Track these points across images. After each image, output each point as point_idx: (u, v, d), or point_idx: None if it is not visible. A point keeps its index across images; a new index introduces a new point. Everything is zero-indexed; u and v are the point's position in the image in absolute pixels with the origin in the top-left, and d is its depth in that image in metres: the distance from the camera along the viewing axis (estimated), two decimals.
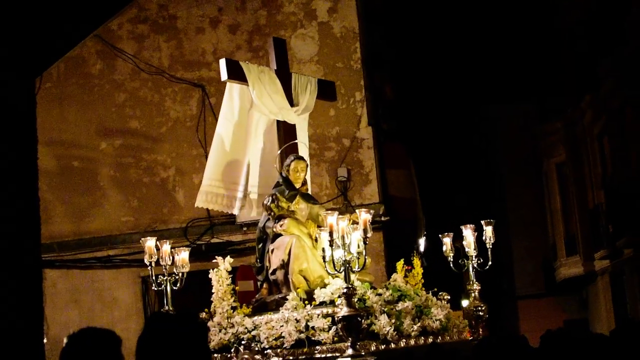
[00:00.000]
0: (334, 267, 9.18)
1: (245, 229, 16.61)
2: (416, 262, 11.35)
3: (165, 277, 10.80)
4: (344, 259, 9.10)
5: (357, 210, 9.64)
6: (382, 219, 16.27)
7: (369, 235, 9.29)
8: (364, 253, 9.25)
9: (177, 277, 10.88)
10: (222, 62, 11.43)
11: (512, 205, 32.75)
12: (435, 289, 11.04)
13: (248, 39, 17.33)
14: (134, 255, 16.73)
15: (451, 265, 11.03)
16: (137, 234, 16.90)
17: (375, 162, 16.83)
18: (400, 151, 20.27)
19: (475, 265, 10.84)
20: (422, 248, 20.24)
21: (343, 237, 9.09)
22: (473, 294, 10.94)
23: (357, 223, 9.44)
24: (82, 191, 17.40)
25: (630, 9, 22.80)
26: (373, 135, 16.93)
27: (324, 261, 9.33)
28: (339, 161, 16.67)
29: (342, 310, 9.15)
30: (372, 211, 9.68)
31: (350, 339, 9.13)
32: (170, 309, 10.81)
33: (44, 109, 17.06)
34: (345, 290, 9.17)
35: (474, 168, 34.88)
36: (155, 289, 10.93)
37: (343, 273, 9.20)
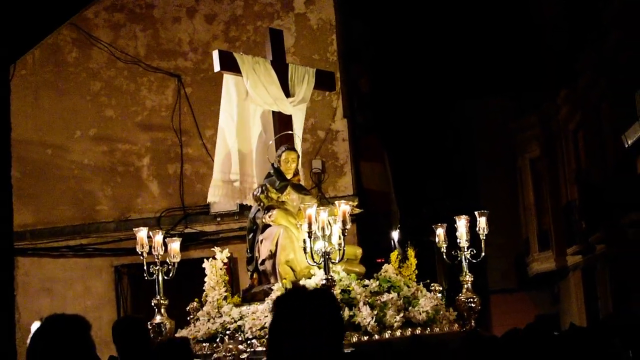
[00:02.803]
0: (313, 258, 9.19)
1: (219, 219, 16.62)
2: (410, 253, 11.36)
3: (158, 267, 10.81)
4: (323, 250, 9.09)
5: (336, 202, 9.67)
6: (356, 211, 16.28)
7: (347, 227, 9.32)
8: (342, 244, 9.25)
9: (169, 267, 10.90)
10: (215, 54, 11.37)
11: (486, 200, 32.78)
12: (428, 280, 11.04)
13: (225, 29, 17.30)
14: (107, 245, 16.72)
15: (444, 256, 11.03)
16: (111, 223, 16.90)
17: (350, 154, 16.86)
18: (375, 144, 20.33)
19: (467, 257, 10.81)
20: (395, 240, 20.29)
21: (323, 228, 9.09)
22: (466, 286, 10.90)
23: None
24: (56, 179, 17.33)
25: (608, 3, 22.86)
26: (348, 128, 16.95)
27: (305, 252, 9.34)
28: (313, 153, 16.68)
29: None
30: (350, 203, 9.73)
31: None
32: (163, 298, 10.83)
33: (18, 96, 16.99)
34: (323, 282, 9.18)
35: (449, 163, 34.95)
36: (148, 278, 10.93)
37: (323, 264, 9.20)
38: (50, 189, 17.32)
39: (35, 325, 5.51)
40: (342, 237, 9.31)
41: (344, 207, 9.30)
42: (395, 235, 20.73)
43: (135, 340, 7.32)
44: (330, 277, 9.22)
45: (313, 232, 9.17)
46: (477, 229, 10.88)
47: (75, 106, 17.47)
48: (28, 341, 4.82)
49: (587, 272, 27.14)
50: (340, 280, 10.03)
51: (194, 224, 16.84)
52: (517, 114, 32.24)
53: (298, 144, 11.68)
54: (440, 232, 11.06)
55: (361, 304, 9.82)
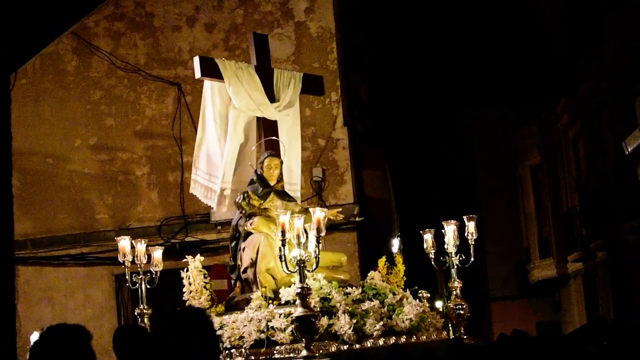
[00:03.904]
0: (287, 266, 9.11)
1: (219, 227, 16.60)
2: (398, 259, 11.30)
3: (140, 276, 10.80)
4: (298, 258, 9.01)
5: (310, 209, 9.58)
6: (357, 219, 16.28)
7: (322, 234, 9.17)
8: (317, 252, 9.15)
9: (153, 276, 10.88)
10: (196, 60, 11.36)
11: (487, 208, 32.78)
12: (416, 287, 10.96)
13: (225, 38, 17.31)
14: (108, 253, 16.68)
15: (432, 262, 10.96)
16: (111, 231, 16.86)
17: (350, 162, 16.85)
18: (375, 152, 20.30)
19: (456, 263, 10.74)
20: (395, 249, 20.25)
21: (298, 236, 9.01)
22: (454, 292, 10.82)
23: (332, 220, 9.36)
24: (57, 188, 17.32)
25: (607, 11, 22.85)
26: (348, 136, 16.95)
27: (280, 260, 9.23)
28: (314, 161, 16.68)
29: (297, 311, 9.06)
30: (326, 210, 9.56)
31: (304, 339, 9.04)
32: (146, 307, 10.81)
33: (18, 105, 16.99)
34: (299, 291, 9.09)
35: (449, 170, 34.95)
36: (131, 287, 10.92)
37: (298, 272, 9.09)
38: (51, 197, 17.31)
39: (35, 336, 5.51)
40: (317, 244, 9.20)
41: (318, 214, 9.17)
42: (395, 243, 20.71)
43: (135, 349, 7.29)
44: (305, 286, 9.09)
45: (287, 240, 9.09)
46: (466, 233, 10.81)
47: (75, 115, 17.47)
48: (28, 351, 4.81)
49: (588, 279, 27.11)
50: (321, 288, 9.94)
51: (195, 232, 16.83)
52: (517, 122, 32.22)
53: (295, 151, 11.65)
54: (428, 237, 10.99)
55: (340, 312, 9.71)
